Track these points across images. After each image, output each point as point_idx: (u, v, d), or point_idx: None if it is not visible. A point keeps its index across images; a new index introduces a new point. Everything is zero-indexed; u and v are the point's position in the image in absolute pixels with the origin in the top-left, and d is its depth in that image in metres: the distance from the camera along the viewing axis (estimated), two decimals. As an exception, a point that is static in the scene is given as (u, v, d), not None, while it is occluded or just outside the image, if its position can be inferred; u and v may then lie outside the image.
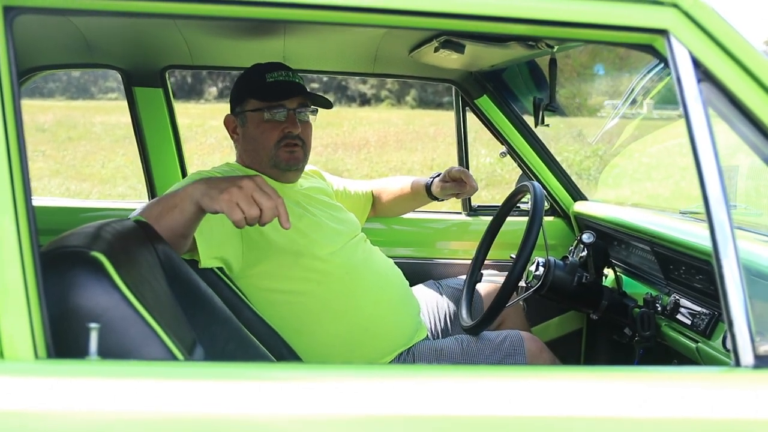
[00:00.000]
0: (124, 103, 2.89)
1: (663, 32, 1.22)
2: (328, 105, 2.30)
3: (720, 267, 1.17)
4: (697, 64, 1.22)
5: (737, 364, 1.18)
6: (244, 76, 2.27)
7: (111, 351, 1.14)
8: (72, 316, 1.15)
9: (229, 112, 2.31)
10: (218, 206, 1.52)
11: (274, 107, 2.18)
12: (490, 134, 2.97)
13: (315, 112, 2.27)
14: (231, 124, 2.30)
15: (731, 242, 1.17)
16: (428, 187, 2.62)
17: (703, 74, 1.22)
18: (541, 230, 2.11)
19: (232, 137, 2.32)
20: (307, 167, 2.51)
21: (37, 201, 2.96)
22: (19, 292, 1.08)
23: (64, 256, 1.21)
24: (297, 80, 2.22)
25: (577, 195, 2.95)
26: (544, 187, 2.89)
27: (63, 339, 1.12)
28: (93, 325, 1.09)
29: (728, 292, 1.17)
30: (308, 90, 2.24)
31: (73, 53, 2.63)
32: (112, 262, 1.21)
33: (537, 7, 1.22)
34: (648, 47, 1.26)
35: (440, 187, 2.57)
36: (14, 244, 1.08)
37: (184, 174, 2.90)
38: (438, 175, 2.62)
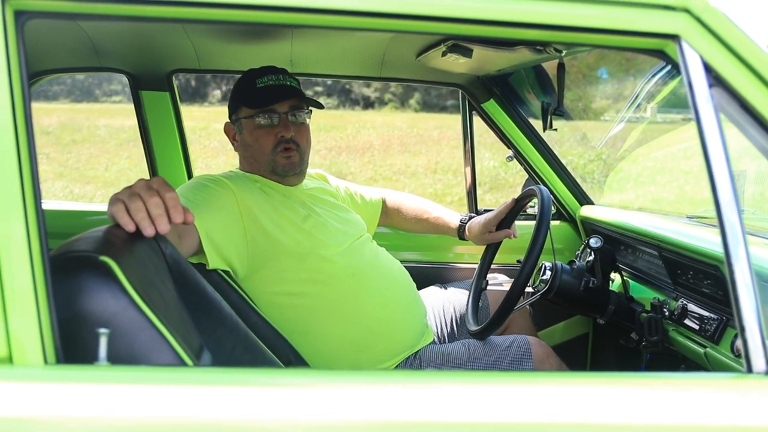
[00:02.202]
0: (129, 106, 2.90)
1: (674, 37, 1.22)
2: (318, 105, 2.28)
3: (732, 272, 1.17)
4: (708, 69, 1.21)
5: (749, 370, 1.17)
6: (238, 83, 2.26)
7: (120, 356, 1.14)
8: (81, 321, 1.15)
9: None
10: (111, 210, 1.44)
11: (264, 113, 2.17)
12: (494, 138, 2.97)
13: (309, 113, 2.26)
14: (230, 132, 2.30)
15: (743, 247, 1.17)
16: (460, 231, 2.60)
17: (715, 79, 1.22)
18: (548, 234, 2.11)
19: (232, 144, 2.32)
20: (312, 170, 2.50)
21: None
22: (29, 297, 1.08)
23: (72, 261, 1.21)
24: (288, 83, 2.21)
25: (584, 199, 2.95)
26: (551, 192, 2.89)
27: (72, 344, 1.12)
28: (102, 330, 1.09)
29: (740, 298, 1.16)
30: (300, 91, 2.23)
31: (81, 57, 2.63)
32: (120, 267, 1.21)
33: (547, 12, 1.21)
34: (659, 52, 1.26)
35: (483, 238, 2.52)
36: (24, 248, 1.08)
37: (190, 177, 2.90)
38: (470, 218, 2.58)
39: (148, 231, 1.40)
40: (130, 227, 1.40)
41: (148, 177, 2.89)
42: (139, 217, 1.40)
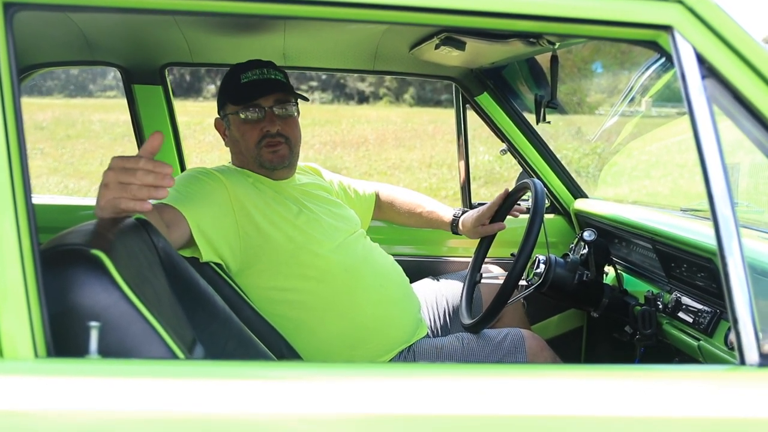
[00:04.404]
0: (123, 101, 2.88)
1: (667, 28, 1.22)
2: (302, 98, 2.27)
3: (725, 264, 1.17)
4: (701, 60, 1.21)
5: (742, 362, 1.17)
6: (223, 79, 2.26)
7: (111, 349, 1.13)
8: (72, 315, 1.14)
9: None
10: (104, 199, 1.42)
11: (249, 108, 2.16)
12: (489, 132, 2.96)
13: (295, 105, 2.24)
14: (221, 128, 2.30)
15: (736, 239, 1.17)
16: (453, 225, 2.60)
17: (708, 70, 1.22)
18: (542, 228, 2.11)
19: (223, 140, 2.32)
20: (306, 164, 2.49)
21: (36, 199, 2.95)
22: (19, 290, 1.07)
23: (63, 254, 1.20)
24: (273, 77, 2.19)
25: (578, 192, 2.95)
26: (545, 185, 2.89)
27: (63, 338, 1.12)
28: (93, 323, 1.09)
29: (733, 290, 1.16)
30: (300, 86, 2.21)
31: (73, 50, 2.62)
32: (112, 260, 1.20)
33: (541, 3, 1.21)
34: (652, 43, 1.25)
35: (476, 232, 2.52)
36: (14, 242, 1.08)
37: (183, 171, 2.89)
38: (463, 212, 2.58)
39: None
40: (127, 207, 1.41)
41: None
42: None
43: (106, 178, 1.41)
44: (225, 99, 2.22)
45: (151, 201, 1.86)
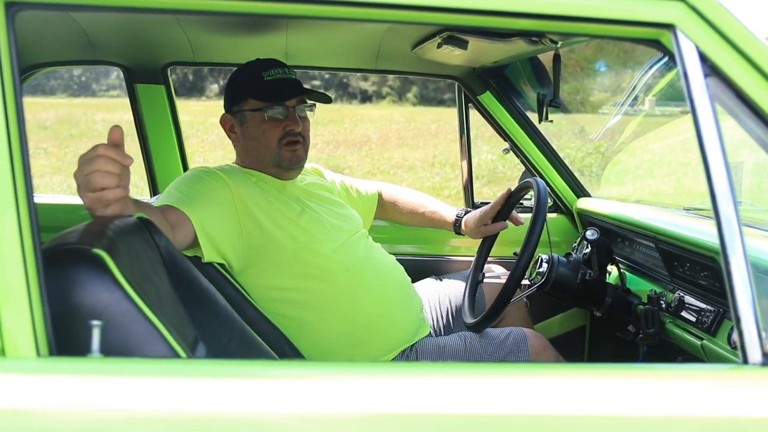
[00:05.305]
0: (126, 101, 2.89)
1: (670, 27, 1.22)
2: (327, 100, 2.27)
3: (727, 263, 1.17)
4: (703, 58, 1.21)
5: (745, 361, 1.17)
6: (241, 74, 2.25)
7: (113, 348, 1.13)
8: (74, 314, 1.14)
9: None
10: (84, 198, 1.43)
11: (274, 106, 2.16)
12: (491, 131, 2.96)
13: (313, 107, 2.25)
14: (227, 123, 2.27)
15: (739, 238, 1.17)
16: (456, 225, 2.59)
17: (710, 69, 1.21)
18: (544, 227, 2.10)
19: (229, 136, 2.29)
20: (308, 165, 2.49)
21: (39, 198, 2.96)
22: (21, 289, 1.07)
23: (65, 253, 1.20)
24: (293, 76, 2.21)
25: (581, 191, 2.94)
26: (548, 184, 2.88)
27: (65, 336, 1.12)
28: (95, 322, 1.09)
29: (736, 289, 1.16)
30: (304, 85, 2.22)
31: (75, 50, 2.63)
32: (113, 259, 1.20)
33: (543, 1, 1.21)
34: (655, 42, 1.25)
35: (479, 231, 2.51)
36: (16, 241, 1.08)
37: (185, 170, 2.89)
38: (466, 212, 2.58)
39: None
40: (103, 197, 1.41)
41: (143, 171, 2.89)
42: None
43: (76, 179, 1.42)
44: (246, 94, 2.19)
45: (154, 203, 1.87)
